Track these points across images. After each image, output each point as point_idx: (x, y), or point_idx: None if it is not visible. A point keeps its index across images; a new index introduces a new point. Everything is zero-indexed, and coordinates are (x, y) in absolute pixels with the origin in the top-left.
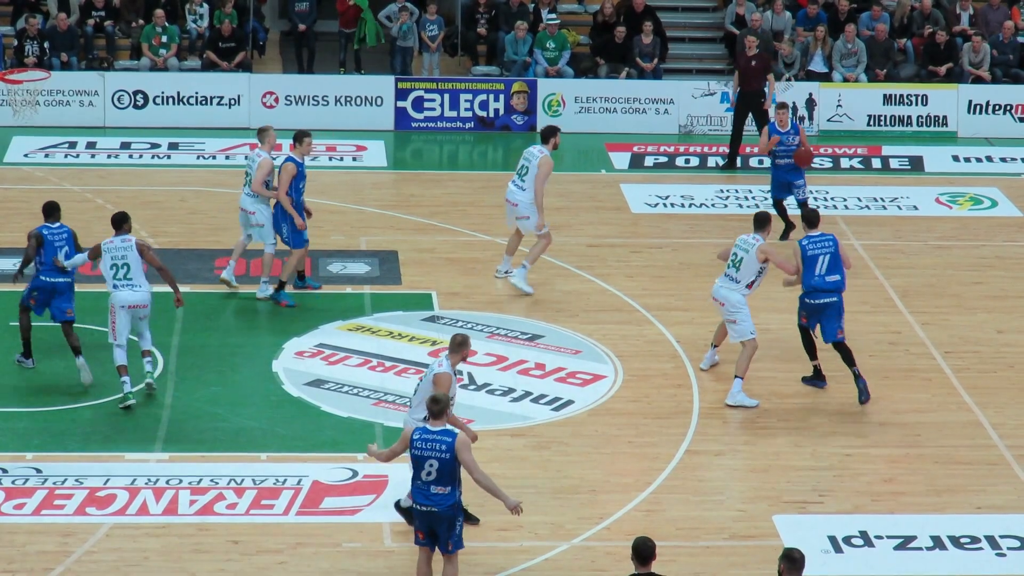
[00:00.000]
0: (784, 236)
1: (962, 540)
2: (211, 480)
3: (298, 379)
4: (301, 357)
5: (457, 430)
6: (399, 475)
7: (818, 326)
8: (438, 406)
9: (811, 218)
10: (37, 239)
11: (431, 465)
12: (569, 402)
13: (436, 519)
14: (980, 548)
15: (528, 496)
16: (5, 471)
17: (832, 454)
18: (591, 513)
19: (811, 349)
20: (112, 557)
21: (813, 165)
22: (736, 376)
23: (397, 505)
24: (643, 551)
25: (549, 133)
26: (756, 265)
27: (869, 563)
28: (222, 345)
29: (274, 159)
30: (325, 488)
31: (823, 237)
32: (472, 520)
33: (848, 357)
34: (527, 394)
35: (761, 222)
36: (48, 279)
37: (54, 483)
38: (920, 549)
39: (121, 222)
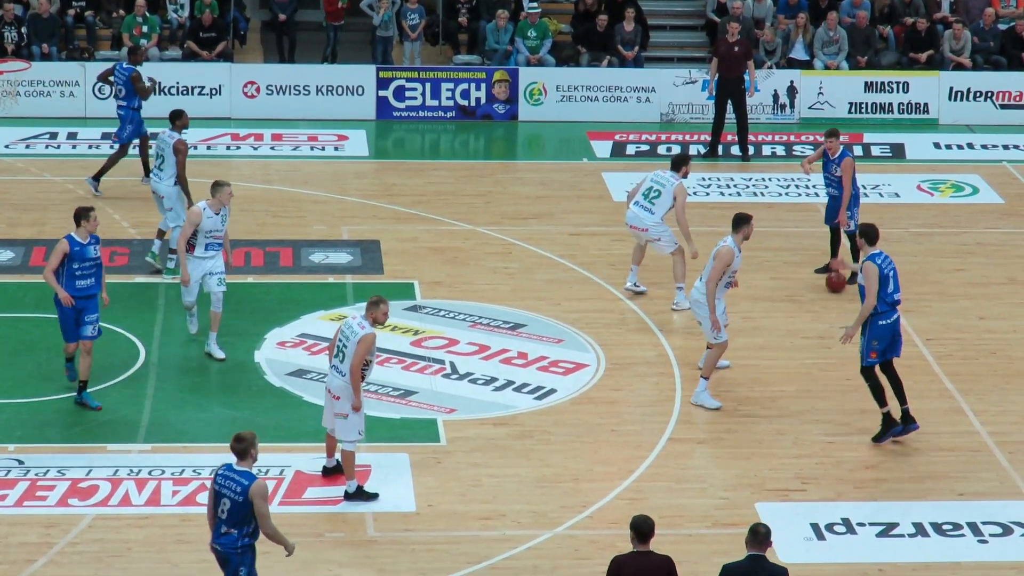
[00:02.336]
0: (823, 269)
1: (944, 527)
2: (193, 471)
3: (280, 369)
4: (283, 347)
5: (256, 476)
6: (382, 464)
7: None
8: (241, 445)
9: (872, 234)
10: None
11: (224, 504)
12: (552, 391)
13: (221, 559)
14: (962, 535)
15: (511, 485)
16: None
17: (814, 442)
18: (574, 502)
19: (884, 393)
20: (95, 548)
21: (794, 152)
22: (702, 376)
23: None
24: (642, 528)
25: (683, 161)
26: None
27: (852, 550)
28: (203, 334)
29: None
30: (308, 478)
31: (883, 254)
32: (371, 497)
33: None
34: (509, 383)
35: (737, 222)
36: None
37: (36, 474)
38: (903, 536)
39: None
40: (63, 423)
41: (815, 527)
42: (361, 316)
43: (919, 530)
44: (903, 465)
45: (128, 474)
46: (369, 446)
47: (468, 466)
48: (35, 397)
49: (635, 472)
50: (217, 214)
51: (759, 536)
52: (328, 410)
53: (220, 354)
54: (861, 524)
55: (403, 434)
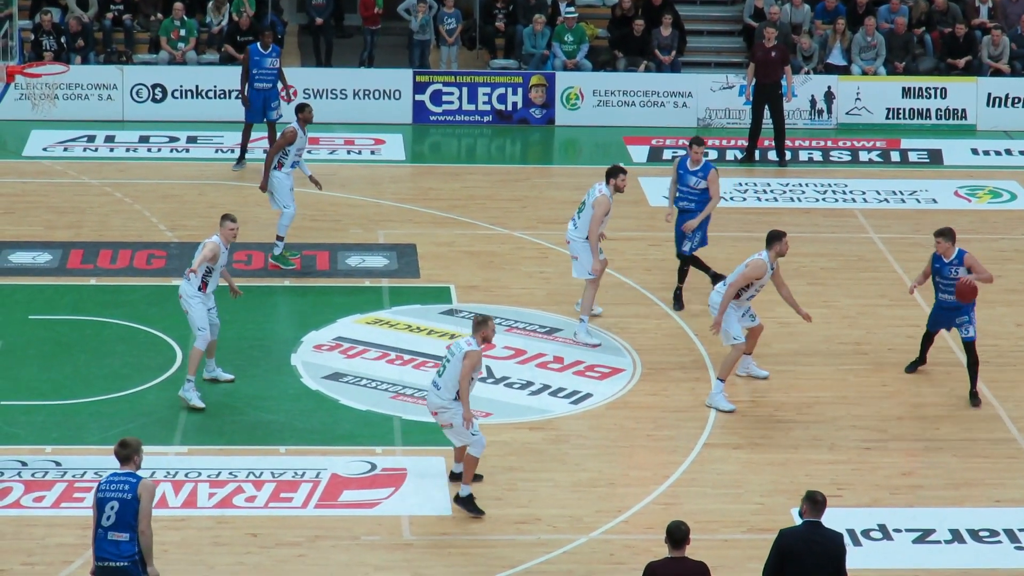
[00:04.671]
0: (911, 368)
1: (981, 533)
2: (230, 473)
3: (317, 372)
4: (320, 351)
5: (144, 476)
6: (418, 468)
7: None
8: (126, 450)
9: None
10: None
11: (112, 507)
12: (587, 395)
13: (115, 574)
14: (999, 541)
15: (546, 489)
16: (24, 464)
17: (850, 447)
18: (609, 506)
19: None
20: None
21: (831, 158)
22: (718, 378)
23: (451, 474)
24: (676, 534)
25: (611, 173)
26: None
27: (888, 556)
28: (240, 339)
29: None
30: (344, 481)
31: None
32: (477, 512)
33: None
34: (545, 387)
35: (770, 239)
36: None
37: (73, 476)
38: (939, 542)
39: None
40: (100, 425)
41: (851, 533)
42: (470, 335)
43: (956, 537)
44: (940, 471)
45: (165, 476)
46: (405, 450)
47: (503, 470)
48: (72, 399)
49: (670, 477)
50: (227, 249)
51: (816, 503)
52: (440, 424)
53: (228, 376)
54: (897, 530)
55: (439, 438)
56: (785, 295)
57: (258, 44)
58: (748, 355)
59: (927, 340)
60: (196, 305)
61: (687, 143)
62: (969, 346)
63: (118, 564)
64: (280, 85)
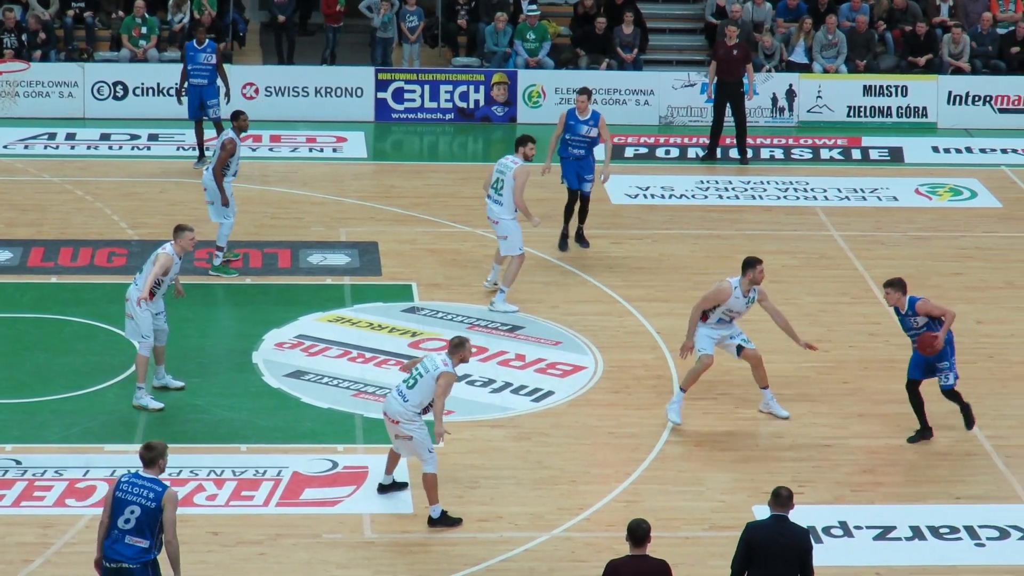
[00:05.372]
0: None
1: (941, 530)
2: (191, 471)
3: (278, 370)
4: (281, 348)
5: (169, 483)
6: (379, 466)
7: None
8: (151, 453)
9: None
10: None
11: (132, 512)
12: (549, 393)
13: (124, 573)
14: (959, 538)
15: (508, 487)
16: None
17: (812, 445)
18: (571, 504)
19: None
20: (92, 549)
21: (793, 156)
22: (680, 388)
23: (380, 487)
24: (637, 532)
25: (520, 142)
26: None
27: (849, 553)
28: (202, 336)
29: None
30: (305, 479)
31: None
32: (455, 522)
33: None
34: (507, 385)
35: (744, 266)
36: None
37: (33, 475)
38: (900, 539)
39: None
40: (60, 423)
41: (812, 530)
42: (446, 354)
43: (916, 533)
44: (900, 469)
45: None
46: (367, 448)
47: (465, 468)
48: (32, 397)
49: (632, 475)
50: (180, 259)
51: (781, 498)
52: (390, 432)
53: (178, 383)
54: (858, 527)
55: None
56: (781, 324)
57: (194, 40)
58: (766, 389)
59: (913, 393)
60: (142, 313)
61: (574, 92)
62: (947, 393)
63: (133, 567)
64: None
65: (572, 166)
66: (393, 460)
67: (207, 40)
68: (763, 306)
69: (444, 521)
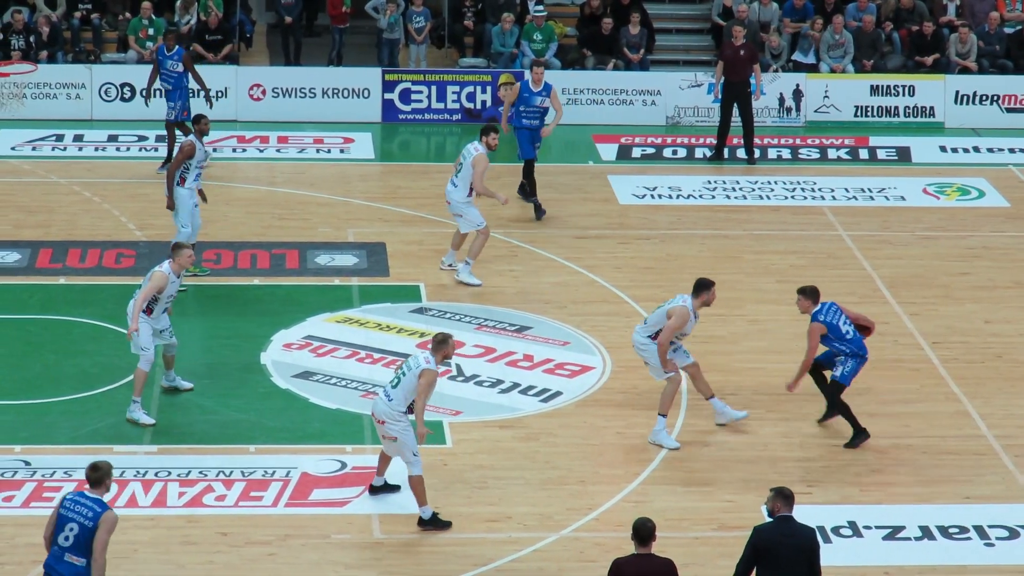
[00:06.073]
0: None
1: (951, 530)
2: (200, 472)
3: (286, 371)
4: (289, 349)
5: (109, 506)
6: (390, 468)
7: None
8: (96, 474)
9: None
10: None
11: (71, 529)
12: (557, 393)
13: None
14: (968, 538)
15: (517, 487)
16: None
17: (820, 445)
18: (580, 504)
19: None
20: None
21: (800, 156)
22: (659, 414)
23: (371, 487)
24: (642, 531)
25: (483, 131)
26: (662, 319)
27: (858, 553)
28: (210, 337)
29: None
30: (314, 480)
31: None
32: (444, 525)
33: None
34: (515, 385)
35: (697, 288)
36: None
37: (43, 475)
38: (909, 539)
39: None
40: (69, 424)
41: (821, 530)
42: (429, 352)
43: (925, 533)
44: (909, 469)
45: (134, 475)
46: (376, 448)
47: (473, 468)
48: (41, 398)
49: (641, 475)
50: (178, 277)
51: (786, 498)
52: (379, 432)
53: (187, 384)
54: (867, 527)
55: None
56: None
57: (164, 45)
58: (714, 399)
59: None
60: (142, 327)
61: (532, 68)
62: (834, 383)
63: None
64: (196, 87)
65: (526, 136)
66: (384, 461)
67: (176, 47)
68: None
69: (434, 523)
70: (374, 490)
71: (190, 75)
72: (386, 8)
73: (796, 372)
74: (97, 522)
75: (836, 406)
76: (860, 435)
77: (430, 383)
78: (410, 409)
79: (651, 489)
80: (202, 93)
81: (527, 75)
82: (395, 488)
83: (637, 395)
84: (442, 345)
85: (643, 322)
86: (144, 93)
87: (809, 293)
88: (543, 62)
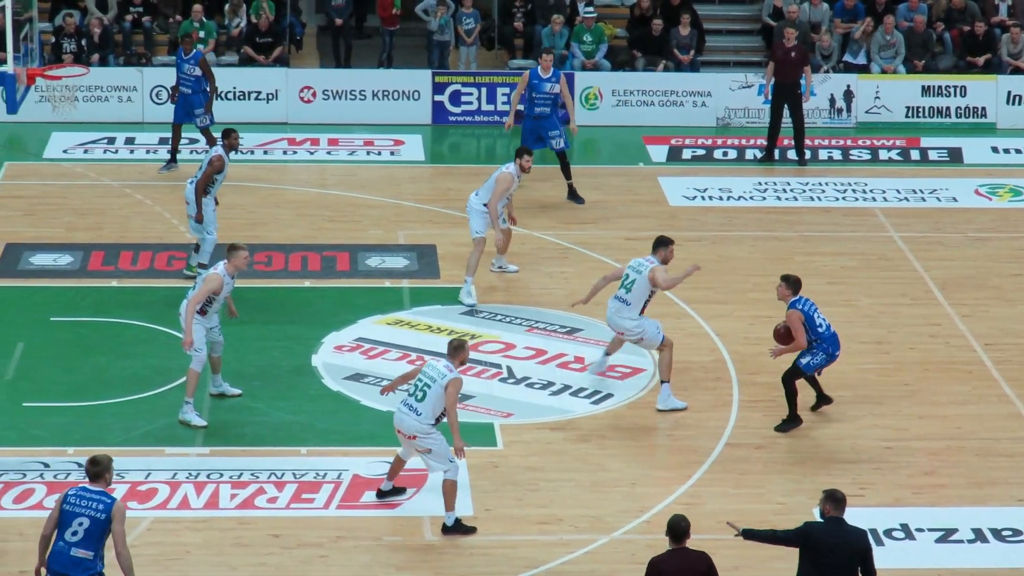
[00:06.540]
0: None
1: (1004, 533)
2: (252, 474)
3: (337, 373)
4: (340, 351)
5: (117, 497)
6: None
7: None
8: (96, 468)
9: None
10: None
11: (80, 524)
12: (608, 395)
13: None
14: (1022, 540)
15: (568, 489)
16: (47, 465)
17: (872, 447)
18: (631, 506)
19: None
20: (153, 551)
21: (851, 157)
22: (662, 381)
23: (379, 492)
24: (677, 530)
25: (517, 154)
26: (647, 288)
27: (910, 556)
28: (261, 339)
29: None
30: (365, 482)
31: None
32: (469, 531)
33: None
34: (566, 387)
35: (656, 244)
36: None
37: None
38: (962, 542)
39: None
40: (122, 426)
41: (874, 533)
42: (447, 359)
43: (978, 536)
44: (962, 471)
45: (187, 477)
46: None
47: (525, 470)
48: (93, 401)
49: (692, 477)
50: (232, 278)
51: (836, 501)
52: (406, 447)
53: (235, 390)
54: (920, 530)
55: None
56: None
57: (181, 49)
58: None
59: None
60: (195, 327)
61: (541, 55)
62: (795, 367)
63: None
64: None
65: (531, 127)
66: (397, 466)
67: (194, 50)
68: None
69: (458, 529)
70: (381, 494)
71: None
72: (436, 10)
73: (785, 347)
74: (110, 514)
75: (787, 387)
76: (793, 421)
77: (457, 392)
78: (437, 420)
79: (702, 491)
80: (209, 94)
81: (538, 62)
82: (401, 491)
83: (687, 397)
84: (458, 351)
85: (623, 303)
86: (170, 95)
87: (792, 282)
88: (551, 49)
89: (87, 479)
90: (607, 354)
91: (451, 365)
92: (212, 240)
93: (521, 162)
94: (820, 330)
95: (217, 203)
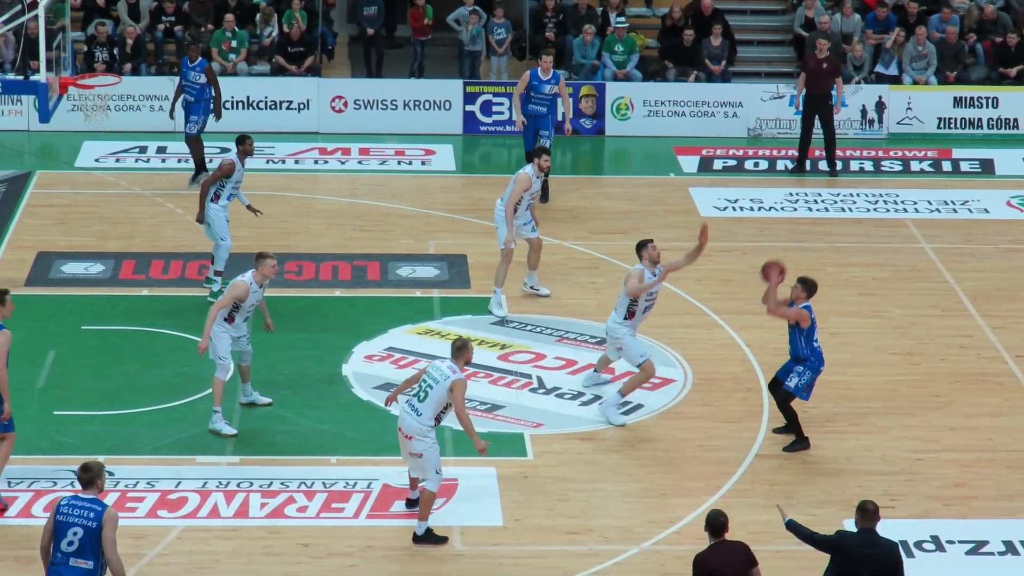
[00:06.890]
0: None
1: None
2: (281, 483)
3: (367, 382)
4: (371, 361)
5: (108, 503)
6: (468, 481)
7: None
8: (88, 475)
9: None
10: None
11: (75, 533)
12: (639, 406)
13: None
14: None
15: (598, 500)
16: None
17: (903, 458)
18: (661, 517)
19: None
20: (183, 560)
21: (883, 168)
22: (620, 392)
23: (408, 501)
24: (715, 524)
25: (535, 153)
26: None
27: (940, 568)
28: (291, 348)
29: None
30: (395, 491)
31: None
32: (440, 540)
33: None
34: (596, 398)
35: (637, 249)
36: None
37: (126, 486)
38: (992, 554)
39: None
40: (152, 435)
41: (904, 544)
42: (451, 360)
43: (1009, 548)
44: (993, 483)
45: (217, 486)
46: (457, 460)
47: (555, 480)
48: (124, 409)
49: (722, 488)
50: (261, 287)
51: (868, 512)
52: (403, 449)
53: (265, 399)
54: (950, 542)
55: (490, 448)
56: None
57: (187, 57)
58: (597, 371)
59: (776, 394)
60: (220, 335)
61: (542, 56)
62: (787, 392)
63: None
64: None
65: (529, 125)
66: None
67: (199, 59)
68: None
69: (429, 538)
70: (411, 503)
71: (213, 88)
72: (468, 20)
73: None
74: (101, 521)
75: (784, 412)
76: (801, 442)
77: (464, 393)
78: (437, 421)
79: (733, 502)
80: (215, 103)
81: (538, 63)
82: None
83: (718, 407)
84: (462, 351)
85: (615, 310)
86: (170, 106)
87: (809, 286)
88: (552, 51)
89: (81, 486)
90: (596, 370)
91: (455, 366)
92: (227, 247)
93: (539, 162)
94: (815, 344)
95: (258, 212)
